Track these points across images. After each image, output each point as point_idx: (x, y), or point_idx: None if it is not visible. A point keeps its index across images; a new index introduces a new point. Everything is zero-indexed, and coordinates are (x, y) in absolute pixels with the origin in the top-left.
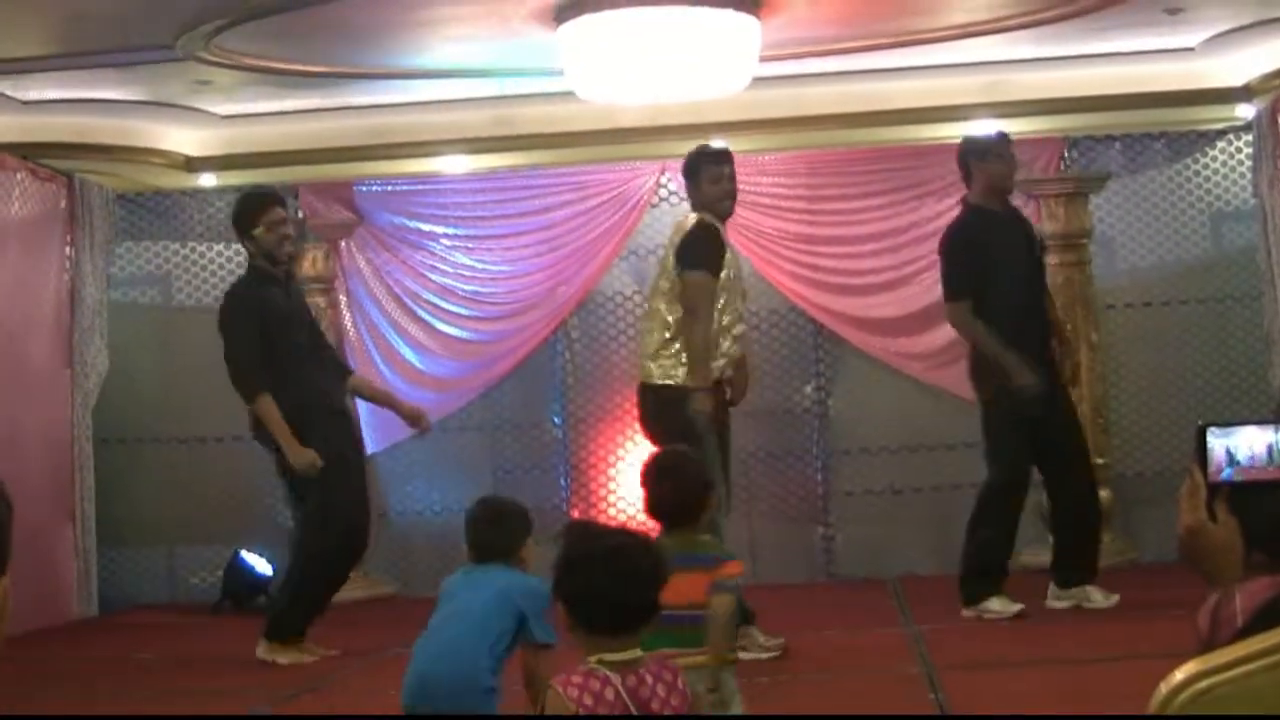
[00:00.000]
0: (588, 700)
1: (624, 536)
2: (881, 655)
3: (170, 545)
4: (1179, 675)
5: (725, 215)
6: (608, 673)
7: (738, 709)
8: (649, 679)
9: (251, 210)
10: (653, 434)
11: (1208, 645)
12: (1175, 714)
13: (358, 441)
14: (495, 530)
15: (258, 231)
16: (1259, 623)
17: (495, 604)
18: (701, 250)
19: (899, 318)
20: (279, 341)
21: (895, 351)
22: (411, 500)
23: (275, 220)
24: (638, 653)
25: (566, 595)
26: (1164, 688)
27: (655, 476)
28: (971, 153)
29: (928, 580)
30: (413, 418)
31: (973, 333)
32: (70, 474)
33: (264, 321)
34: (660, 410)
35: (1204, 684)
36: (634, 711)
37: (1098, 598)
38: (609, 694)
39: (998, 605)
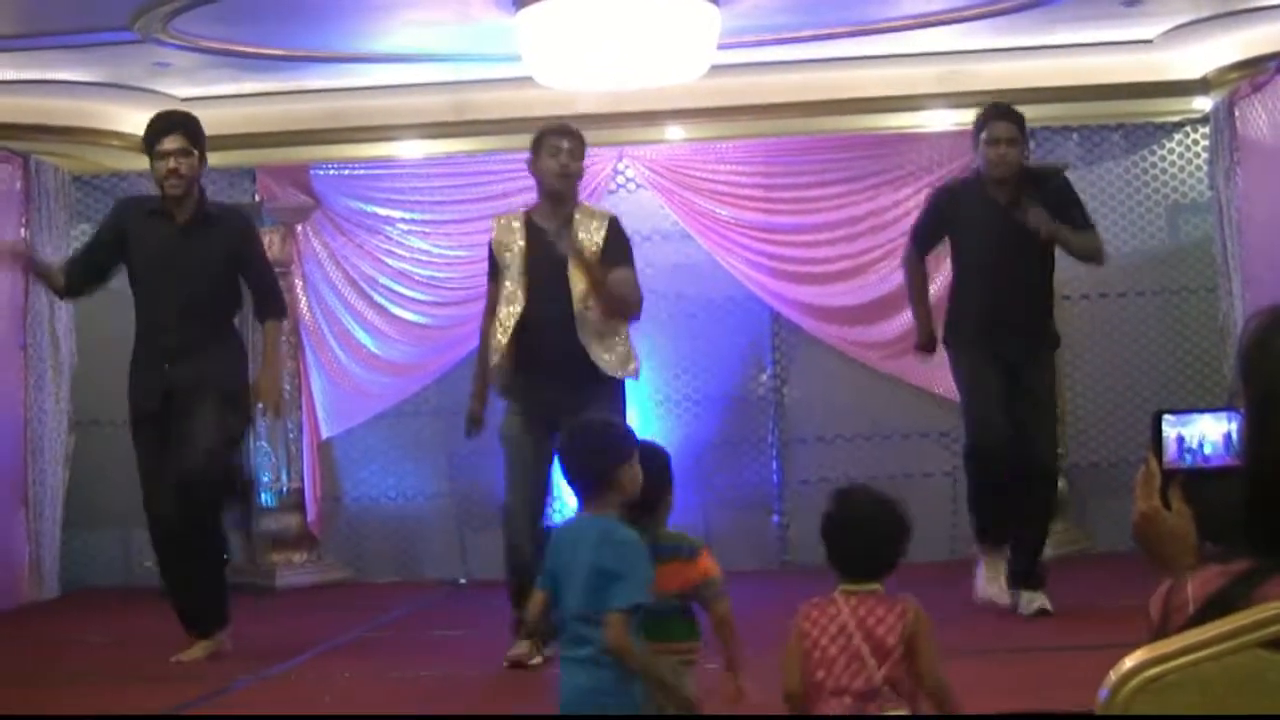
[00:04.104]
0: None
1: None
2: None
3: (126, 528)
4: (1128, 663)
5: (557, 193)
6: None
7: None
8: None
9: (146, 137)
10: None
11: (1159, 633)
12: (1125, 700)
13: (161, 405)
14: (576, 459)
15: (151, 160)
16: (1209, 611)
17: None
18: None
19: (855, 306)
20: (134, 271)
21: (851, 340)
22: (366, 485)
23: (162, 152)
24: None
25: None
26: (1114, 675)
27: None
28: (973, 127)
29: None
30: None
31: (906, 275)
32: (23, 457)
33: (108, 236)
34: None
35: (1153, 671)
36: None
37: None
38: None
39: (978, 585)
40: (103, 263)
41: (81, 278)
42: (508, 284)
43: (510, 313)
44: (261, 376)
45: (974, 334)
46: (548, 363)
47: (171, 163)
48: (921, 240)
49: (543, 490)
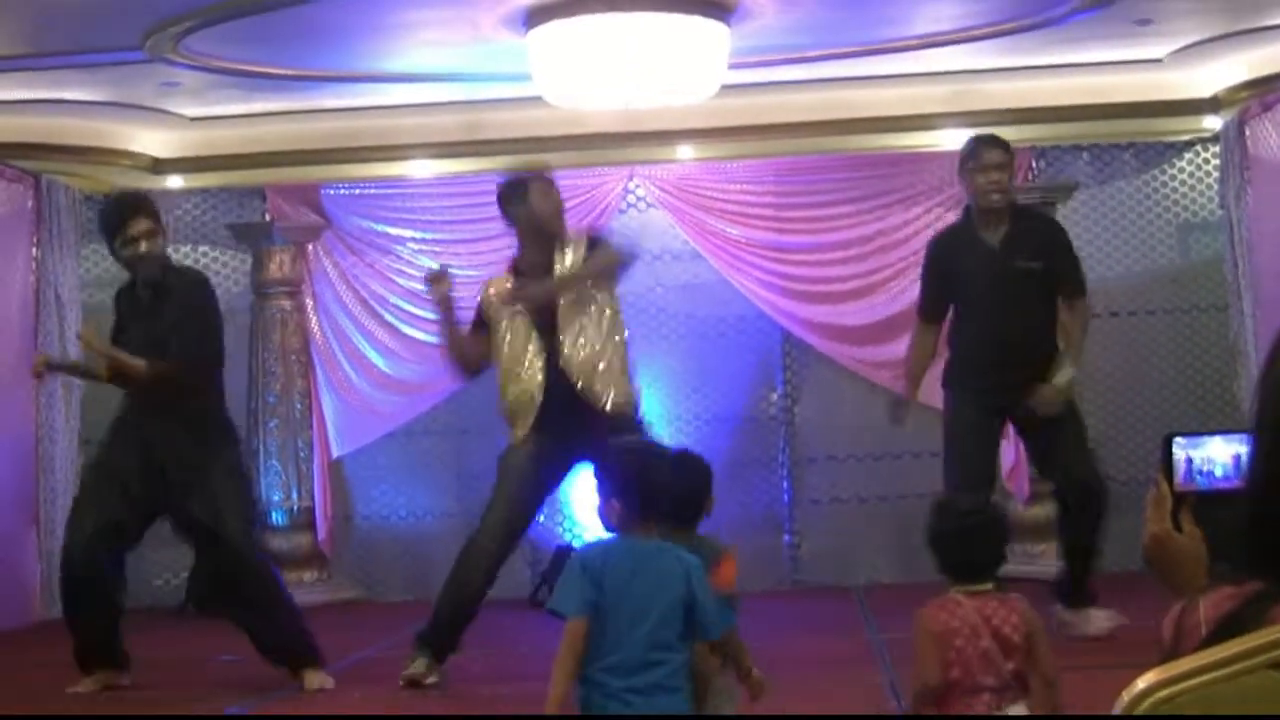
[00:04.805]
0: None
1: None
2: (846, 663)
3: (136, 547)
4: (1140, 684)
5: (554, 233)
6: None
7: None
8: None
9: (110, 222)
10: None
11: (1171, 655)
12: None
13: (122, 460)
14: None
15: (118, 244)
16: (1222, 632)
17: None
18: None
19: (866, 325)
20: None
21: (862, 359)
22: (377, 504)
23: (133, 236)
24: None
25: None
26: (1126, 696)
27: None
28: (959, 163)
29: (893, 588)
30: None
31: (909, 347)
32: (34, 476)
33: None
34: None
35: (1165, 693)
36: None
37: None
38: None
39: None
40: None
41: None
42: (510, 346)
43: (531, 370)
44: (105, 348)
45: (974, 382)
46: (564, 411)
47: (143, 246)
48: (927, 302)
49: (521, 530)
